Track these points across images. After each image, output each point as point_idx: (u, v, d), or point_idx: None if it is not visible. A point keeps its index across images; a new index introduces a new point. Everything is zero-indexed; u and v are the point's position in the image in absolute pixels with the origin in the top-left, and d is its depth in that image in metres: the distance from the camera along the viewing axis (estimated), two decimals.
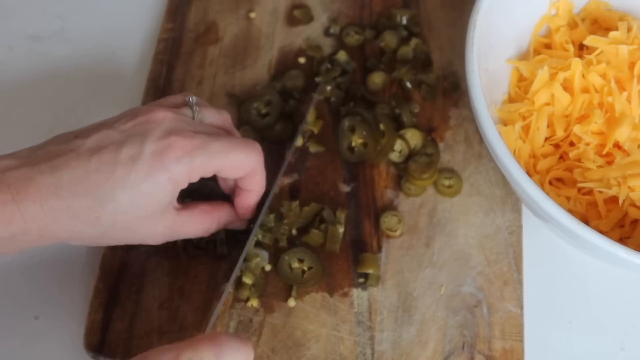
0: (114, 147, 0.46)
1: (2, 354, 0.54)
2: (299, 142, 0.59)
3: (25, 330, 0.54)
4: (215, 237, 0.55)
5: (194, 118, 0.50)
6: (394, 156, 0.58)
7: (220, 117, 0.52)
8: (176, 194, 0.48)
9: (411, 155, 0.58)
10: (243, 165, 0.50)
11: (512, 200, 0.57)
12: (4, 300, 0.56)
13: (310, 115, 0.60)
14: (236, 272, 0.52)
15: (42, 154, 0.46)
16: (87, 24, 0.69)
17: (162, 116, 0.48)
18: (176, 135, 0.47)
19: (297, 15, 0.67)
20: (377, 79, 0.62)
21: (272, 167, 0.56)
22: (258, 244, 0.55)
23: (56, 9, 0.70)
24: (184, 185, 0.48)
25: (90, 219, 0.45)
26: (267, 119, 0.60)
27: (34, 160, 0.45)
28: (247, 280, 0.53)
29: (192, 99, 0.51)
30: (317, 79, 0.62)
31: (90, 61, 0.67)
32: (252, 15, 0.67)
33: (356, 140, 0.57)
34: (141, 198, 0.46)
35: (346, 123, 0.58)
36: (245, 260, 0.54)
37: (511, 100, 0.57)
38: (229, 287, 0.52)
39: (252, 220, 0.54)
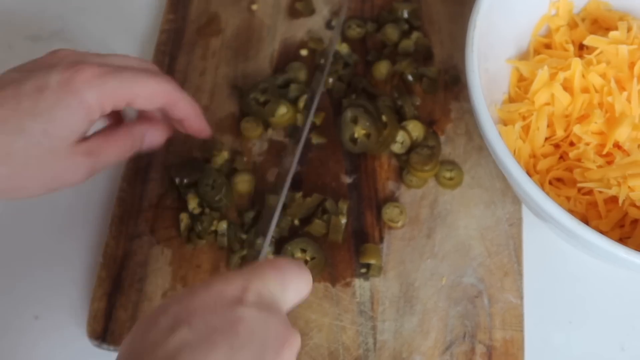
0: (15, 83, 0.44)
1: (2, 354, 0.54)
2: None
3: (25, 330, 0.54)
4: (217, 228, 0.55)
5: None
6: (396, 147, 0.58)
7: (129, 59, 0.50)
8: (90, 125, 0.46)
9: (413, 147, 0.59)
10: (156, 92, 0.48)
11: (512, 192, 0.57)
12: (4, 300, 0.56)
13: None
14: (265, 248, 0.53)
15: None
16: (87, 23, 0.69)
17: (65, 52, 0.47)
18: (84, 63, 0.45)
19: (299, 8, 0.67)
20: (382, 68, 0.62)
21: (285, 158, 0.58)
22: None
23: (56, 9, 0.70)
24: (97, 116, 0.46)
25: (1, 156, 0.43)
26: (268, 106, 0.60)
27: None
28: None
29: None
30: (321, 61, 0.63)
31: None
32: (254, 7, 0.67)
33: (359, 132, 0.58)
34: (54, 126, 0.44)
35: (349, 114, 0.58)
36: (249, 249, 0.54)
37: (511, 100, 0.57)
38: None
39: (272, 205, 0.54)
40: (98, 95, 0.45)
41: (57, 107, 0.44)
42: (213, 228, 0.55)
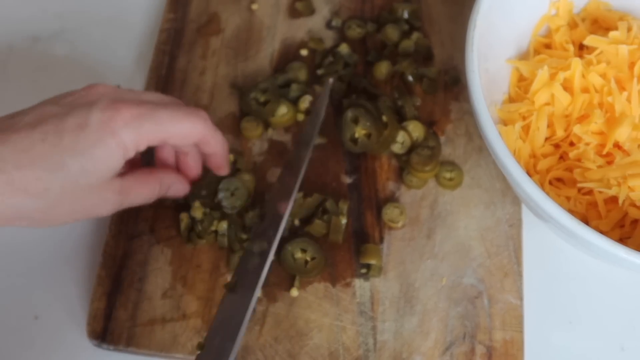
0: (57, 119, 0.45)
1: (2, 354, 0.54)
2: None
3: (25, 330, 0.54)
4: (217, 228, 0.55)
5: None
6: (396, 147, 0.58)
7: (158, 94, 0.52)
8: (123, 162, 0.47)
9: (413, 147, 0.59)
10: (191, 133, 0.49)
11: (512, 193, 0.57)
12: (4, 300, 0.56)
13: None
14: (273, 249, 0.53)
15: None
16: (87, 23, 0.69)
17: (104, 89, 0.47)
18: (123, 102, 0.46)
19: (299, 8, 0.67)
20: (383, 68, 0.62)
21: (294, 163, 0.58)
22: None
23: (56, 9, 0.70)
24: (132, 154, 0.47)
25: (37, 191, 0.44)
26: (268, 106, 0.60)
27: None
28: None
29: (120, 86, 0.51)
30: (319, 71, 0.63)
31: (91, 60, 0.67)
32: (254, 7, 0.67)
33: (359, 132, 0.58)
34: (92, 164, 0.45)
35: (349, 114, 0.58)
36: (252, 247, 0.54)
37: (511, 100, 0.57)
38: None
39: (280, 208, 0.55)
40: (135, 136, 0.46)
41: (97, 147, 0.45)
42: (213, 228, 0.55)
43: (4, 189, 0.43)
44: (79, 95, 0.47)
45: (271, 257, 0.53)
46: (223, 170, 0.55)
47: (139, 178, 0.50)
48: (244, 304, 0.51)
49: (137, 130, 0.46)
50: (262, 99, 0.60)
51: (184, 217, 0.55)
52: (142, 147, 0.47)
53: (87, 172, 0.45)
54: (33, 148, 0.43)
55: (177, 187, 0.54)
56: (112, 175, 0.47)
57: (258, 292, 0.52)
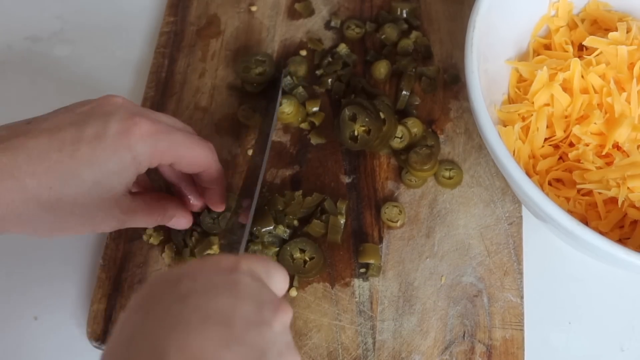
0: (75, 127, 0.44)
1: (2, 354, 0.54)
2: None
3: (25, 330, 0.55)
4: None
5: None
6: (395, 142, 0.58)
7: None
8: (135, 177, 0.47)
9: (412, 144, 0.58)
10: (200, 161, 0.50)
11: (511, 191, 0.57)
12: (4, 300, 0.56)
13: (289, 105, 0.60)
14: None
15: None
16: (87, 24, 0.69)
17: (122, 101, 0.47)
18: (141, 116, 0.46)
19: (298, 9, 0.67)
20: (382, 67, 0.62)
21: (239, 167, 0.58)
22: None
23: (56, 9, 0.70)
24: (144, 170, 0.47)
25: (49, 201, 0.43)
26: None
27: None
28: None
29: None
30: (318, 72, 0.63)
31: (90, 61, 0.67)
32: (254, 8, 0.67)
33: (358, 129, 0.58)
34: (106, 177, 0.44)
35: (347, 112, 0.58)
36: (262, 245, 0.54)
37: (511, 101, 0.57)
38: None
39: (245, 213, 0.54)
40: (150, 152, 0.46)
41: (112, 160, 0.44)
42: (209, 252, 0.55)
43: (16, 197, 0.42)
44: (96, 104, 0.46)
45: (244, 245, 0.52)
46: (220, 206, 0.54)
47: (146, 203, 0.50)
48: None
49: (152, 147, 0.46)
50: (257, 70, 0.62)
51: (166, 256, 0.55)
52: (154, 164, 0.47)
53: (99, 184, 0.44)
54: (49, 157, 0.43)
55: (179, 221, 0.53)
56: (123, 189, 0.46)
57: None
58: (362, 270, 0.54)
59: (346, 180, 0.58)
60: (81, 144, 0.43)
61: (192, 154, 0.49)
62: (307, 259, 0.54)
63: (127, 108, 0.46)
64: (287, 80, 0.62)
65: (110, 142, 0.44)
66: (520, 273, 0.54)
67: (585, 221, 0.52)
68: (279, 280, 0.40)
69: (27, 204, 0.43)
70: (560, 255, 0.57)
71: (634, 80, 0.54)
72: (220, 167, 0.52)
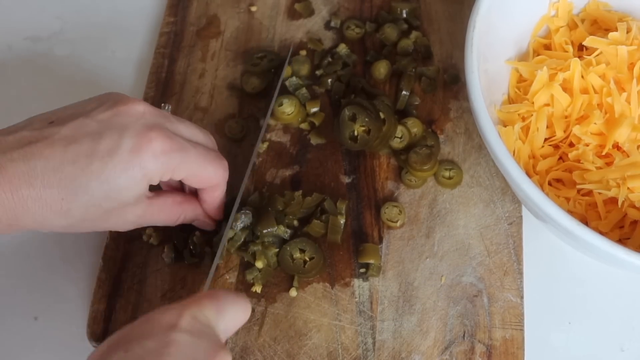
0: (90, 139, 0.45)
1: (2, 355, 0.54)
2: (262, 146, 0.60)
3: (25, 331, 0.55)
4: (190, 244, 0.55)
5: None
6: (395, 142, 0.58)
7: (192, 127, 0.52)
8: (146, 190, 0.48)
9: (412, 144, 0.58)
10: (210, 179, 0.51)
11: (511, 191, 0.57)
12: (4, 300, 0.56)
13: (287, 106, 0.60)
14: (215, 264, 0.52)
15: (14, 140, 0.44)
16: (87, 24, 0.69)
17: (143, 109, 0.47)
18: (156, 132, 0.46)
19: (298, 9, 0.67)
20: (382, 68, 0.62)
21: (238, 167, 0.58)
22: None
23: (56, 9, 0.70)
24: (156, 182, 0.48)
25: (61, 210, 0.45)
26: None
27: (5, 146, 0.44)
28: (259, 264, 0.53)
29: (168, 107, 0.53)
30: (318, 72, 0.63)
31: (90, 61, 0.67)
32: (253, 8, 0.67)
33: (358, 129, 0.58)
34: (115, 192, 0.46)
35: (346, 112, 0.58)
36: (262, 245, 0.54)
37: (511, 101, 0.57)
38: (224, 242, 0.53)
39: (222, 221, 0.55)
40: (161, 169, 0.47)
41: (123, 176, 0.45)
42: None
43: (33, 204, 0.44)
44: (117, 112, 0.47)
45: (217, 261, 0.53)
46: (212, 225, 0.55)
47: (167, 205, 0.51)
48: None
49: (165, 165, 0.47)
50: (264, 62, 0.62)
51: (165, 255, 0.55)
52: (165, 179, 0.48)
53: (110, 198, 0.46)
54: (63, 169, 0.44)
55: (200, 223, 0.55)
56: (134, 200, 0.47)
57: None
58: (362, 270, 0.54)
59: (346, 180, 0.58)
60: (94, 158, 0.45)
61: (204, 174, 0.50)
62: (307, 259, 0.54)
63: (146, 120, 0.47)
64: (292, 80, 0.62)
65: (122, 158, 0.45)
66: (520, 273, 0.54)
67: (585, 221, 0.52)
68: (234, 315, 0.42)
69: (42, 209, 0.44)
70: (560, 255, 0.57)
71: (634, 80, 0.54)
72: (224, 189, 0.53)
